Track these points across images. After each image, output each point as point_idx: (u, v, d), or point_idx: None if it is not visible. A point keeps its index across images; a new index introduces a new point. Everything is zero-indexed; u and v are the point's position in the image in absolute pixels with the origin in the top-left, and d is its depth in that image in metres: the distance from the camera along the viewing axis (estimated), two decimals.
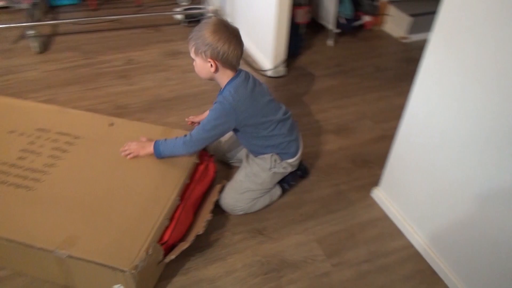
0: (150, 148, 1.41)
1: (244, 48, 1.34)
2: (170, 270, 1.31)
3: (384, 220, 1.55)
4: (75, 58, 2.36)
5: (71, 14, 2.84)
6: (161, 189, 1.30)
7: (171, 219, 1.25)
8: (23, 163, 1.37)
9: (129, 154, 1.41)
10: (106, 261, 1.07)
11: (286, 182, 1.60)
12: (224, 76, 1.35)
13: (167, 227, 1.22)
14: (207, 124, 1.33)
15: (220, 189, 1.49)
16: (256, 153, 1.51)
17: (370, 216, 1.56)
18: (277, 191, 1.58)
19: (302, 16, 2.72)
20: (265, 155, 1.48)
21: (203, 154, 1.51)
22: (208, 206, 1.41)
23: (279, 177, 1.55)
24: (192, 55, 1.32)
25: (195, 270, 1.32)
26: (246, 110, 1.34)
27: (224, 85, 1.36)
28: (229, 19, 2.74)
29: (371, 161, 1.80)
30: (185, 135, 1.37)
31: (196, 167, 1.44)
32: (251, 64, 2.43)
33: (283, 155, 1.49)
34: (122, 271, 1.05)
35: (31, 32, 2.34)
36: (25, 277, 1.25)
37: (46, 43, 2.48)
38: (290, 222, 1.51)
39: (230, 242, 1.42)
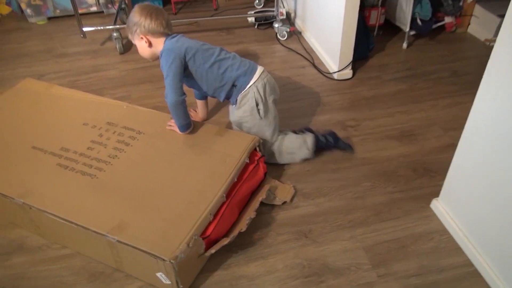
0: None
1: (167, 15, 1.56)
2: (213, 264, 1.35)
3: (441, 233, 1.44)
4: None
5: None
6: (209, 186, 1.35)
7: (216, 215, 1.29)
8: (90, 153, 1.51)
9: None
10: (149, 249, 1.14)
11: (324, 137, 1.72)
12: (159, 46, 1.55)
13: (210, 222, 1.27)
14: (167, 75, 1.48)
15: (268, 189, 1.51)
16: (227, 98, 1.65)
17: (426, 228, 1.46)
18: (309, 136, 1.71)
19: (375, 18, 2.63)
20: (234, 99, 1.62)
21: (254, 154, 1.54)
22: (254, 204, 1.43)
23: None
24: (133, 41, 1.58)
25: (236, 266, 1.35)
26: (184, 46, 1.51)
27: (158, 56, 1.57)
28: (299, 22, 2.77)
29: (434, 171, 1.69)
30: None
31: (245, 166, 1.47)
32: (317, 66, 2.41)
33: (243, 83, 1.58)
34: (163, 260, 1.12)
35: (116, 34, 2.56)
36: (84, 256, 1.38)
37: (127, 45, 2.70)
38: (337, 228, 1.47)
39: (274, 242, 1.43)
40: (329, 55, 2.37)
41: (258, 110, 1.61)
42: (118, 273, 1.32)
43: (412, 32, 2.57)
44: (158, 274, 1.18)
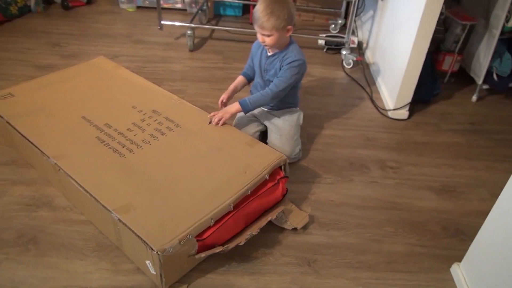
0: (235, 107, 1.70)
1: None
2: (209, 266, 1.36)
3: None
4: (215, 60, 2.64)
5: (229, 23, 3.18)
6: (220, 192, 1.36)
7: (218, 221, 1.30)
8: (128, 134, 1.60)
9: (218, 121, 1.67)
10: (143, 236, 1.18)
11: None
12: (287, 39, 1.68)
13: (210, 227, 1.28)
14: (289, 78, 1.67)
15: (281, 210, 1.49)
16: (282, 107, 1.84)
17: None
18: None
19: (449, 64, 2.52)
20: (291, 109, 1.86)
21: (277, 172, 1.54)
22: (261, 222, 1.42)
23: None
24: (271, 31, 1.59)
25: (231, 274, 1.35)
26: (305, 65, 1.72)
27: (285, 45, 1.70)
28: (369, 53, 2.73)
29: (467, 234, 1.56)
30: (268, 89, 1.69)
31: (264, 182, 1.48)
32: (375, 100, 2.35)
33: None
34: (152, 249, 1.15)
35: (190, 32, 2.70)
36: (94, 227, 1.46)
37: (198, 44, 2.84)
38: (344, 265, 1.42)
39: (275, 261, 1.41)
40: (389, 91, 2.31)
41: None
42: (120, 252, 1.38)
43: (486, 86, 2.42)
44: (147, 262, 1.21)
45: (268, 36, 1.61)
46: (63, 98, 1.81)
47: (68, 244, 1.40)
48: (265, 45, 1.68)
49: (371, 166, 1.87)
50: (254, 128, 1.84)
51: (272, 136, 1.82)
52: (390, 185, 1.78)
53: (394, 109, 2.21)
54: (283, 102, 1.83)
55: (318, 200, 1.67)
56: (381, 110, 2.28)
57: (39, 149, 1.50)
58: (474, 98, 2.43)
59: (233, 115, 1.73)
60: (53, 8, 3.28)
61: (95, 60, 2.17)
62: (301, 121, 1.88)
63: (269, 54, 1.74)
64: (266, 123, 1.88)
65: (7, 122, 1.63)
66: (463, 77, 2.56)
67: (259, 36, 1.65)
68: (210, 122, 1.69)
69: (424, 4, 1.88)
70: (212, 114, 1.70)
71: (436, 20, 1.92)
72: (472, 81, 2.50)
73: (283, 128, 1.82)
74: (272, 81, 1.72)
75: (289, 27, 1.63)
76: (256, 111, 1.87)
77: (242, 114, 1.78)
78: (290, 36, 1.71)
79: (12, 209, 1.51)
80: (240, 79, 1.89)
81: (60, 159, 1.44)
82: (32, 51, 2.62)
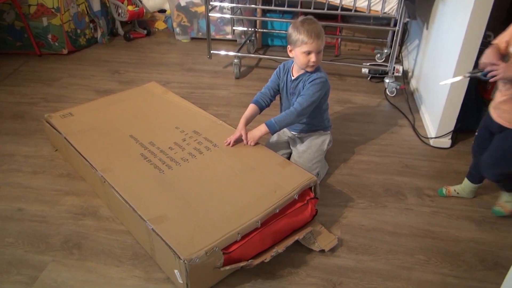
0: (262, 130, 1.75)
1: None
2: (237, 280, 1.41)
3: None
4: (259, 87, 2.69)
5: (275, 53, 3.30)
6: (249, 208, 1.43)
7: (244, 237, 1.36)
8: (169, 152, 1.72)
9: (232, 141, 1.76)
10: (173, 245, 1.26)
11: None
12: None
13: (236, 242, 1.34)
14: (312, 95, 1.71)
15: (309, 231, 1.52)
16: (309, 130, 1.89)
17: None
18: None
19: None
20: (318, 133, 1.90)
21: (307, 193, 1.57)
22: (288, 241, 1.46)
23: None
24: (321, 48, 1.69)
25: None
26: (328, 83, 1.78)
27: None
28: (414, 82, 2.71)
29: (507, 267, 1.48)
30: (293, 108, 1.73)
31: (293, 202, 1.51)
32: (416, 128, 2.32)
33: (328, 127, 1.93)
34: (179, 258, 1.23)
35: (236, 60, 2.85)
36: (132, 237, 1.57)
37: (245, 72, 2.97)
38: None
39: (301, 281, 1.42)
40: (431, 119, 2.27)
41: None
42: (153, 261, 1.47)
43: None
44: (175, 271, 1.28)
45: (318, 53, 1.69)
46: (115, 118, 1.99)
47: (107, 251, 1.52)
48: (313, 64, 1.69)
49: (407, 193, 1.84)
50: (282, 152, 1.90)
51: (291, 159, 1.88)
52: (426, 213, 1.73)
53: (436, 137, 2.16)
54: (310, 124, 1.87)
55: (349, 224, 1.67)
56: (422, 137, 2.24)
57: (89, 162, 1.65)
58: None
59: (260, 138, 1.77)
60: (117, 40, 3.60)
61: (147, 85, 2.36)
62: (325, 147, 1.90)
63: (293, 77, 1.80)
64: (292, 148, 1.93)
65: (65, 138, 1.82)
66: None
67: (304, 56, 1.67)
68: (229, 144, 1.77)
69: (465, 32, 1.87)
70: (229, 140, 1.77)
71: (478, 49, 1.90)
72: None
73: (303, 151, 1.86)
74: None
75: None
76: (285, 136, 1.93)
77: (271, 137, 1.85)
78: None
79: (62, 216, 1.67)
80: (251, 109, 1.83)
81: (107, 172, 1.59)
82: (94, 78, 2.89)
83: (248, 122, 1.81)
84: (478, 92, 2.28)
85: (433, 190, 1.86)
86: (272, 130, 1.74)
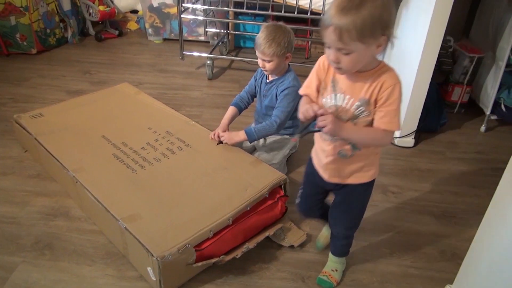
0: (241, 136, 1.79)
1: None
2: (207, 276, 1.45)
3: None
4: (231, 88, 2.80)
5: (247, 54, 3.35)
6: (221, 206, 1.47)
7: (216, 234, 1.40)
8: (142, 152, 1.74)
9: (218, 139, 1.80)
10: (145, 243, 1.29)
11: None
12: (286, 65, 1.82)
13: (208, 239, 1.38)
14: (287, 106, 1.78)
15: (279, 228, 1.57)
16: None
17: None
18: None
19: (458, 95, 2.57)
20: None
21: (277, 191, 1.62)
22: (258, 237, 1.51)
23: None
24: (275, 58, 1.73)
25: (227, 286, 1.42)
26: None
27: (283, 72, 1.83)
28: None
29: (463, 258, 1.58)
30: (272, 120, 1.78)
31: (264, 200, 1.56)
32: None
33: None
34: (152, 255, 1.26)
35: (209, 62, 2.88)
36: (106, 237, 1.58)
37: (217, 73, 3.01)
38: None
39: (271, 276, 1.48)
40: None
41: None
42: (126, 260, 1.49)
43: (494, 117, 2.45)
44: (148, 269, 1.31)
45: (269, 61, 1.74)
46: (87, 118, 1.99)
47: (79, 251, 1.52)
48: (265, 70, 1.81)
49: (373, 191, 1.92)
50: (245, 148, 1.95)
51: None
52: (390, 209, 1.82)
53: (399, 137, 2.27)
54: None
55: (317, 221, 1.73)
56: None
57: (60, 163, 1.65)
58: (483, 128, 2.46)
59: (237, 143, 1.82)
60: (88, 40, 3.57)
61: (119, 86, 2.36)
62: (287, 151, 1.97)
63: (267, 80, 1.87)
64: (256, 146, 2.00)
65: (35, 139, 1.80)
66: (473, 108, 2.60)
67: (259, 61, 1.78)
68: (217, 141, 1.82)
69: (425, 36, 1.97)
70: (213, 133, 1.83)
71: (438, 52, 2.01)
72: (481, 112, 2.54)
73: (264, 152, 1.94)
74: (269, 106, 1.84)
75: (288, 54, 1.76)
76: None
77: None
78: (289, 64, 1.84)
79: (32, 217, 1.66)
80: (232, 111, 1.91)
81: (79, 173, 1.59)
82: (65, 78, 2.86)
83: (229, 123, 1.89)
84: (439, 93, 2.41)
85: (397, 187, 1.96)
86: (251, 139, 1.80)
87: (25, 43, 3.09)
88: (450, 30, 2.05)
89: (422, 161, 2.17)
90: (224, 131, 1.84)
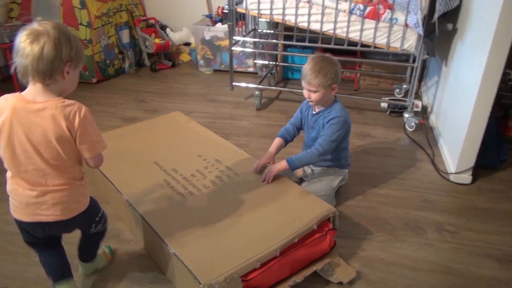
0: (282, 165, 1.77)
1: None
2: None
3: None
4: (279, 119, 2.82)
5: (295, 86, 3.37)
6: (268, 237, 1.45)
7: (264, 265, 1.38)
8: (191, 179, 1.78)
9: (267, 178, 1.76)
10: (193, 269, 1.29)
11: None
12: (332, 96, 1.81)
13: (255, 269, 1.36)
14: (332, 135, 1.76)
15: (327, 263, 1.52)
16: (324, 165, 1.92)
17: None
18: None
19: None
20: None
21: (325, 224, 1.58)
22: (306, 271, 1.47)
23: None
24: (317, 88, 1.72)
25: None
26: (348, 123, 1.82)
27: (329, 103, 1.82)
28: (433, 118, 2.73)
29: None
30: (314, 148, 1.77)
31: (312, 232, 1.53)
32: (436, 163, 2.32)
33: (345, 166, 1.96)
34: (199, 283, 1.25)
35: (258, 92, 2.93)
36: (153, 261, 1.60)
37: (265, 104, 3.05)
38: None
39: None
40: (451, 155, 2.27)
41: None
42: (172, 285, 1.49)
43: None
44: None
45: (314, 92, 1.74)
46: (140, 145, 2.06)
47: (128, 274, 1.55)
48: (310, 101, 1.80)
49: (427, 228, 1.83)
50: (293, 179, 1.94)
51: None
52: (446, 249, 1.72)
53: (456, 173, 2.16)
54: (326, 160, 1.91)
55: (367, 257, 1.66)
56: (442, 173, 2.24)
57: (114, 186, 1.71)
58: None
59: (279, 172, 1.80)
60: (143, 70, 3.75)
61: (171, 114, 2.45)
62: (335, 184, 1.93)
63: (314, 112, 1.86)
64: (304, 178, 1.97)
65: None
66: None
67: (305, 92, 1.78)
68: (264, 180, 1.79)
69: (483, 70, 1.90)
70: (256, 164, 1.83)
71: (497, 86, 1.92)
72: None
73: (312, 183, 1.90)
74: (316, 138, 1.82)
75: (334, 85, 1.75)
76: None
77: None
78: (335, 95, 1.83)
79: None
80: (278, 142, 1.94)
81: (131, 196, 1.64)
82: (121, 106, 3.01)
83: (275, 153, 1.91)
84: (498, 128, 2.29)
85: (453, 226, 1.85)
86: (292, 167, 1.79)
87: (87, 73, 3.30)
88: (510, 62, 1.97)
89: (481, 199, 2.05)
90: (269, 162, 1.85)
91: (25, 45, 1.07)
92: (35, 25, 1.10)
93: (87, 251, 1.49)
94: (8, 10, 3.30)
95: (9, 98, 1.15)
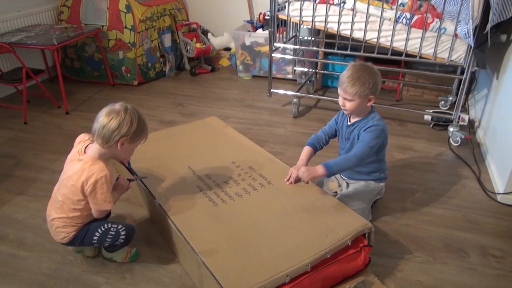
0: (319, 171, 1.66)
1: None
2: None
3: None
4: (316, 127, 2.73)
5: (334, 94, 3.27)
6: (300, 250, 1.40)
7: (293, 279, 1.33)
8: (224, 186, 1.76)
9: (293, 179, 1.74)
10: (221, 280, 1.27)
11: None
12: (369, 107, 1.74)
13: (285, 284, 1.31)
14: (370, 142, 1.67)
15: (361, 281, 1.45)
16: (360, 178, 1.85)
17: None
18: None
19: None
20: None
21: (360, 240, 1.52)
22: None
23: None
24: (353, 97, 1.66)
25: None
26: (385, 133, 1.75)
27: (365, 114, 1.75)
28: (481, 133, 2.58)
29: None
30: (352, 153, 1.68)
31: (345, 248, 1.47)
32: (482, 181, 2.18)
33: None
34: None
35: (295, 100, 2.89)
36: (181, 267, 1.59)
37: (303, 112, 3.00)
38: None
39: None
40: (499, 173, 2.13)
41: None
42: None
43: None
44: None
45: (349, 101, 1.67)
46: (176, 149, 2.07)
47: (157, 279, 1.54)
48: (345, 109, 1.73)
49: (470, 251, 1.72)
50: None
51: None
52: (491, 276, 1.60)
53: (504, 193, 2.02)
54: (361, 173, 1.84)
55: (404, 278, 1.58)
56: (489, 192, 2.10)
57: (148, 189, 1.72)
58: None
59: (316, 178, 1.75)
60: (183, 74, 3.80)
61: (208, 119, 2.45)
62: (371, 197, 1.85)
63: (349, 123, 1.79)
64: (339, 193, 1.88)
65: None
66: None
67: (340, 99, 1.72)
68: (288, 179, 1.76)
69: None
70: (289, 174, 1.77)
71: None
72: None
73: (347, 196, 1.82)
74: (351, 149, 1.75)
75: (371, 96, 1.67)
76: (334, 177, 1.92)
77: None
78: (372, 106, 1.76)
79: None
80: (307, 150, 1.86)
81: (163, 201, 1.64)
82: (160, 109, 3.06)
83: (306, 163, 1.83)
84: None
85: (500, 250, 1.72)
86: (329, 172, 1.70)
87: (128, 75, 3.39)
88: None
89: None
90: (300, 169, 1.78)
91: (102, 116, 1.40)
92: (116, 105, 1.42)
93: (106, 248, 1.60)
94: (59, 13, 3.44)
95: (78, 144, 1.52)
